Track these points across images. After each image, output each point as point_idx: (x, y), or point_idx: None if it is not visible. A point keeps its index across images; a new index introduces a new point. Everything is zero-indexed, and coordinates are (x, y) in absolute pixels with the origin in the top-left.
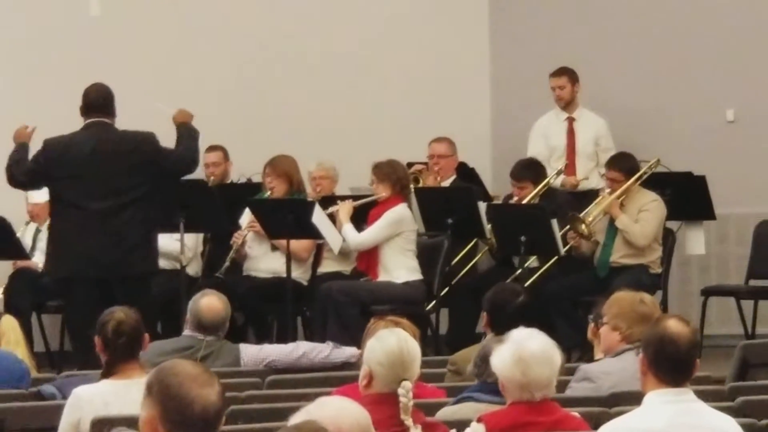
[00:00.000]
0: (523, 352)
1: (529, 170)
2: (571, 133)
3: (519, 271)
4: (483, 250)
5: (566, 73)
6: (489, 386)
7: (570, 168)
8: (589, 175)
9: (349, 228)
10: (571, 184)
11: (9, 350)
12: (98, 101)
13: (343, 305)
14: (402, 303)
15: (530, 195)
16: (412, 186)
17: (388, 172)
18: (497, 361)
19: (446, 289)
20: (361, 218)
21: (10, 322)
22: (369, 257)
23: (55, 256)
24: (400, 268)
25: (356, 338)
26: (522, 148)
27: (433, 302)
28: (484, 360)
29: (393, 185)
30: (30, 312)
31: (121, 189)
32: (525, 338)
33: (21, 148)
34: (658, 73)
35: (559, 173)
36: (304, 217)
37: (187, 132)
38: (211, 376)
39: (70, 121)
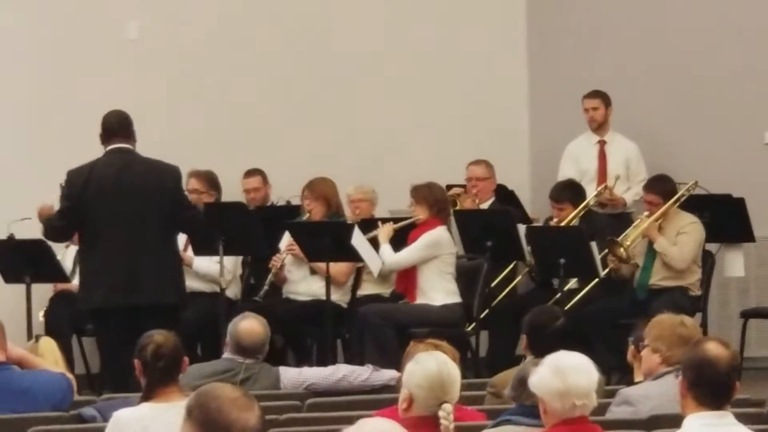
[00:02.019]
0: (561, 363)
1: (569, 191)
2: (602, 157)
3: (559, 294)
4: (522, 273)
5: (599, 95)
6: (527, 409)
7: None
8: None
9: (386, 248)
10: (607, 198)
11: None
12: (118, 126)
13: (380, 328)
14: (439, 326)
15: (570, 216)
16: (450, 208)
17: (426, 194)
18: (535, 378)
19: (486, 311)
20: (401, 240)
21: (48, 343)
22: (407, 280)
23: (85, 287)
24: (437, 290)
25: (395, 361)
26: None
27: (473, 324)
28: (521, 383)
29: (430, 207)
30: (70, 334)
31: (145, 218)
32: (562, 354)
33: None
34: (695, 95)
35: (599, 194)
36: (342, 240)
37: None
38: (250, 400)
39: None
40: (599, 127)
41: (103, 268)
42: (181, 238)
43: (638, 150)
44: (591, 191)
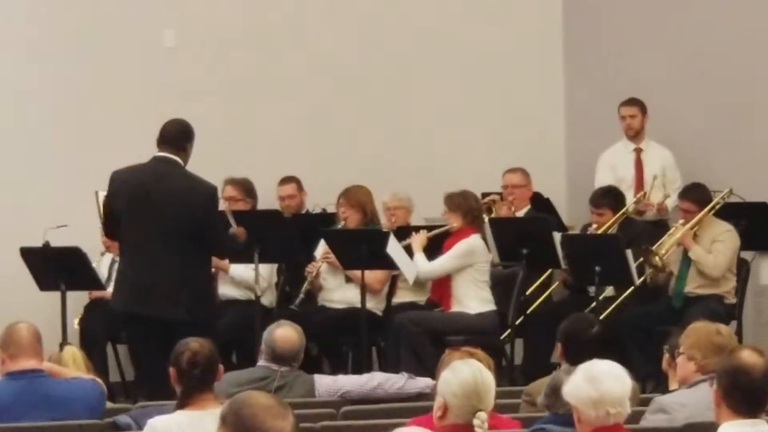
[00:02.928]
0: (594, 371)
1: (609, 197)
2: (639, 164)
3: (594, 302)
4: (558, 280)
5: (636, 103)
6: (560, 417)
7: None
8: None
9: (419, 257)
10: (645, 204)
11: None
12: (170, 136)
13: (415, 336)
14: (475, 333)
15: (609, 223)
16: (486, 216)
17: (460, 202)
18: (569, 386)
19: (521, 319)
20: (436, 249)
21: (71, 352)
22: (441, 288)
23: (115, 288)
24: (472, 299)
25: (430, 369)
26: None
27: (508, 332)
28: (553, 391)
29: (464, 215)
30: (105, 342)
31: (167, 231)
32: (595, 362)
33: None
34: (730, 103)
35: (638, 201)
36: (378, 248)
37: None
38: (284, 408)
39: (144, 152)
40: (636, 134)
41: (120, 272)
42: None
43: (673, 158)
44: (628, 199)
